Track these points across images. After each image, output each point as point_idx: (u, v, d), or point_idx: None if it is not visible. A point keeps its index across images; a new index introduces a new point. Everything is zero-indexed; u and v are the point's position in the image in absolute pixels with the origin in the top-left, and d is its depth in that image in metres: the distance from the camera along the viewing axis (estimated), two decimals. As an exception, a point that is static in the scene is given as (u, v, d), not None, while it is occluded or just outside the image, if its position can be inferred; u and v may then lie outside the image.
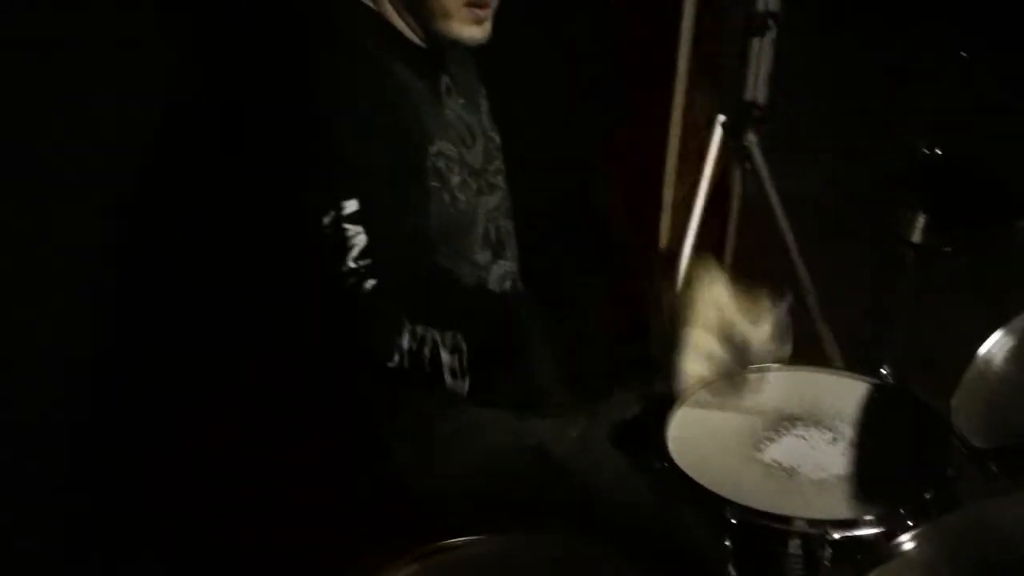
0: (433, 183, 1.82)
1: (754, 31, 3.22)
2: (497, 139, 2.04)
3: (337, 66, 1.77)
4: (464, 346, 1.64)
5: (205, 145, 1.96)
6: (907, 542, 1.50)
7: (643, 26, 3.42)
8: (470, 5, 1.83)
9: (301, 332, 1.75)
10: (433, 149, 1.82)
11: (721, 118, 3.33)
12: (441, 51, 1.92)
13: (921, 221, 2.24)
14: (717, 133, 3.35)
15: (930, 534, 1.49)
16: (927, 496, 1.73)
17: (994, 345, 1.84)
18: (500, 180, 2.01)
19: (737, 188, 3.39)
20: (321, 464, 1.80)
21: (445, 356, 1.63)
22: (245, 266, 1.90)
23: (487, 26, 1.86)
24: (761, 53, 3.28)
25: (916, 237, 2.22)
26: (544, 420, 1.91)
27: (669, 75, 3.62)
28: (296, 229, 1.69)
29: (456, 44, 1.88)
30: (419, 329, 1.63)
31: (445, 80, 1.94)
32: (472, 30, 1.85)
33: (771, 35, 3.24)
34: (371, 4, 1.88)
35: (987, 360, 1.84)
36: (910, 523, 1.69)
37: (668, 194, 3.75)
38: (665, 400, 1.98)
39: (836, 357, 2.84)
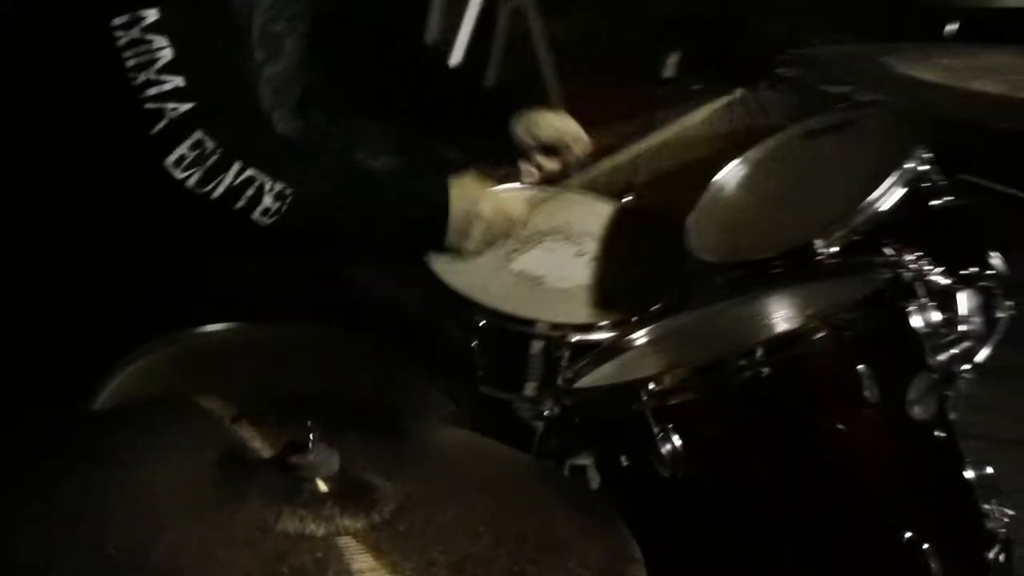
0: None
1: None
2: None
3: None
4: (289, 198, 1.66)
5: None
6: (640, 337, 1.65)
7: None
8: None
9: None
10: None
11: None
12: None
13: (674, 59, 2.38)
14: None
15: (660, 331, 1.65)
16: (658, 305, 1.89)
17: (728, 172, 2.01)
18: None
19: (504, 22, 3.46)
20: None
21: (267, 201, 1.65)
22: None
23: None
24: None
25: (669, 72, 2.37)
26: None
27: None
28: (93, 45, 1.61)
29: None
30: (249, 171, 1.62)
31: None
32: None
33: None
34: None
35: (721, 186, 2.01)
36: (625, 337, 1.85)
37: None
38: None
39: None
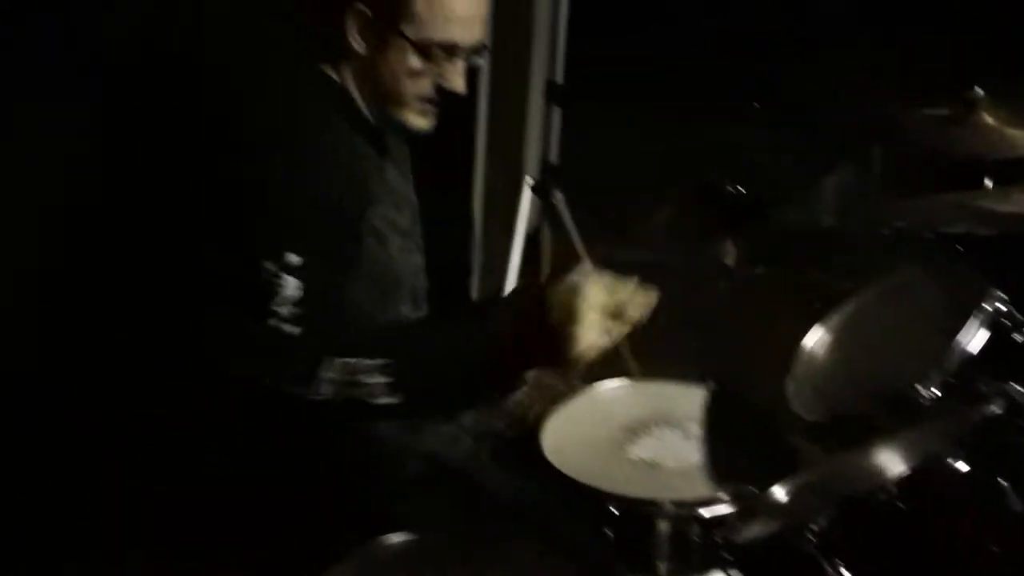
0: (371, 241, 2.01)
1: (554, 99, 3.54)
2: (417, 205, 2.24)
3: (297, 127, 1.94)
4: (396, 369, 1.82)
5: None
6: (777, 494, 1.77)
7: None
8: (424, 100, 2.04)
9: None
10: (375, 211, 2.02)
11: (529, 180, 3.62)
12: (387, 127, 2.11)
13: (731, 248, 2.57)
14: (526, 195, 3.64)
15: (792, 487, 1.77)
16: (770, 471, 2.00)
17: (813, 340, 2.17)
18: (420, 242, 2.21)
19: (547, 245, 3.66)
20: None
21: (377, 379, 1.81)
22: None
23: (432, 118, 2.08)
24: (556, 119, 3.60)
25: (730, 261, 2.56)
26: (437, 432, 2.12)
27: (468, 142, 3.90)
28: (231, 272, 1.83)
29: (401, 127, 2.08)
30: (347, 360, 1.80)
31: (386, 151, 2.13)
32: (420, 120, 2.07)
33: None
34: (334, 76, 2.05)
35: (809, 353, 2.16)
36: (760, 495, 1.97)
37: (477, 256, 4.00)
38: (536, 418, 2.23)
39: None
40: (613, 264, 2.11)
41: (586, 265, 1.92)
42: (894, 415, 1.87)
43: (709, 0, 3.49)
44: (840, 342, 2.14)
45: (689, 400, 2.28)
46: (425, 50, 2.01)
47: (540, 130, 3.64)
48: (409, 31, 2.00)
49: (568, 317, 1.83)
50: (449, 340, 1.93)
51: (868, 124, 2.40)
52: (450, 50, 2.03)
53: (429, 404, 1.94)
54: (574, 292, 1.84)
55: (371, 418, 1.89)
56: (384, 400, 1.83)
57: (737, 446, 2.16)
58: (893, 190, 2.25)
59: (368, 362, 1.82)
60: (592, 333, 1.85)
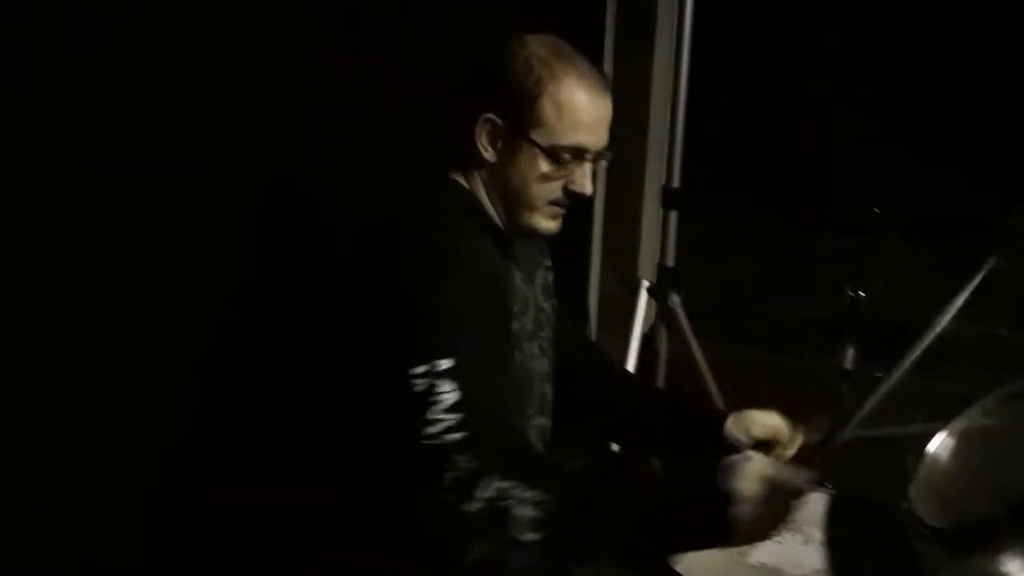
0: (505, 346, 2.05)
1: (670, 204, 3.59)
2: (548, 309, 2.29)
3: (440, 236, 2.00)
4: (546, 504, 1.80)
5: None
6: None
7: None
8: (553, 203, 2.11)
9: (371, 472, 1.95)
10: (513, 311, 2.08)
11: (645, 283, 3.66)
12: (516, 232, 2.17)
13: (851, 352, 2.57)
14: (642, 297, 3.67)
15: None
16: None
17: (938, 444, 2.15)
18: (548, 346, 2.25)
19: (664, 347, 3.69)
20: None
21: (527, 511, 1.80)
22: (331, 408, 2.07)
23: (560, 221, 2.15)
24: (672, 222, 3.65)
25: (848, 365, 2.55)
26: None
27: (585, 245, 3.96)
28: (386, 382, 1.89)
29: (531, 231, 2.14)
30: (504, 484, 1.79)
31: (513, 256, 2.18)
32: (549, 224, 2.13)
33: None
34: (463, 183, 2.14)
35: (933, 458, 2.14)
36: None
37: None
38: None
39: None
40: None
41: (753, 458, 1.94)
42: (1021, 522, 1.85)
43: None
44: (963, 447, 2.12)
45: (810, 504, 2.27)
46: (554, 155, 2.07)
47: (656, 233, 3.69)
48: (539, 137, 2.06)
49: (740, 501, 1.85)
50: (613, 494, 1.90)
51: (986, 232, 2.39)
52: (579, 154, 2.09)
53: (569, 551, 1.92)
54: (746, 476, 1.88)
55: (508, 546, 1.87)
56: (527, 535, 1.81)
57: (860, 552, 2.13)
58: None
59: (524, 493, 1.80)
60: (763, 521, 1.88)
